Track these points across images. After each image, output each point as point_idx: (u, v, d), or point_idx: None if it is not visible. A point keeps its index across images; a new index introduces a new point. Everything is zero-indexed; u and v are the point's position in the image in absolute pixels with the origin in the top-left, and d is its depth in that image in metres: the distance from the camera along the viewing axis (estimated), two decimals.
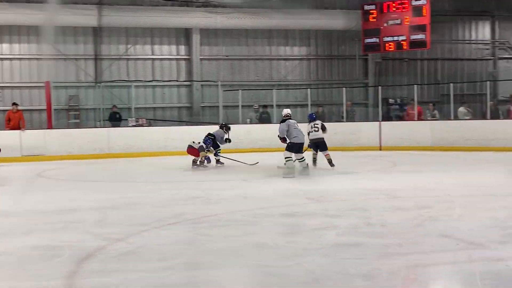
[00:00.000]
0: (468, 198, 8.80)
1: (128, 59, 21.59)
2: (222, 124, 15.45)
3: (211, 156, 14.43)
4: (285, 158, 11.90)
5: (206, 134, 14.48)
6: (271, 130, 19.24)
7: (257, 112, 20.69)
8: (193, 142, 14.06)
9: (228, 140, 14.73)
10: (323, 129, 13.24)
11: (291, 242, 6.10)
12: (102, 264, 5.35)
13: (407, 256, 5.41)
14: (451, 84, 19.67)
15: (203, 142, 14.12)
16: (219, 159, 14.55)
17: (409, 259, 5.31)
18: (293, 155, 12.03)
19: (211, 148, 14.25)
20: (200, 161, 14.17)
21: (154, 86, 21.83)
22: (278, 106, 20.68)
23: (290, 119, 12.25)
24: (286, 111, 12.59)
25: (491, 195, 8.93)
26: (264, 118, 20.35)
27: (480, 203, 8.34)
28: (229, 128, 14.97)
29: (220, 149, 14.56)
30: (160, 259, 5.44)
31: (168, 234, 6.62)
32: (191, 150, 14.07)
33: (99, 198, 9.44)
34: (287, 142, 12.00)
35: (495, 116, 19.37)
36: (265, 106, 20.77)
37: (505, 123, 17.96)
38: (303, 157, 12.14)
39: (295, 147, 11.95)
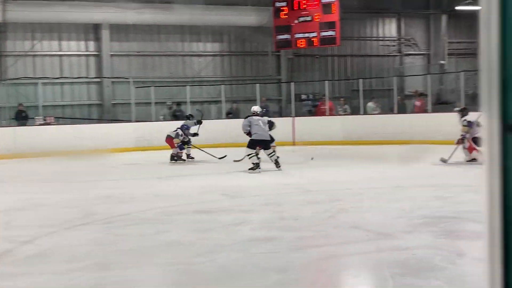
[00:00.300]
0: (377, 190, 9.05)
1: (34, 55, 20.81)
2: (191, 115, 15.79)
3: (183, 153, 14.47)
4: (247, 155, 11.92)
5: (180, 127, 14.53)
6: None
7: (170, 109, 20.49)
8: (173, 131, 14.25)
9: (196, 134, 14.77)
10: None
11: (204, 238, 6.06)
12: (9, 267, 5.13)
13: (320, 248, 5.49)
14: (361, 80, 20.25)
15: (180, 129, 14.27)
16: (189, 154, 14.47)
17: (321, 251, 5.39)
18: (262, 151, 12.14)
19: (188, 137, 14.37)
20: (177, 155, 14.17)
21: (62, 83, 21.13)
22: (192, 103, 20.58)
23: (256, 115, 12.26)
24: (254, 108, 12.69)
25: (398, 187, 9.23)
26: (177, 116, 20.18)
27: (388, 194, 8.61)
28: (200, 122, 14.96)
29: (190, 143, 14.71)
30: (69, 261, 5.27)
31: (78, 235, 6.43)
32: (169, 140, 14.24)
33: (5, 199, 9.07)
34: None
35: (402, 110, 20.10)
36: (178, 103, 20.59)
37: (411, 117, 18.64)
38: (271, 153, 12.14)
39: (255, 144, 11.95)
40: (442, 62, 24.85)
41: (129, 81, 20.75)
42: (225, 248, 5.57)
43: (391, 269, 4.71)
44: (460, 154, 12.18)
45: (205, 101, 22.09)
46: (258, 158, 11.87)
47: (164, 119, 19.97)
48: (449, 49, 25.39)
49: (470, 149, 12.23)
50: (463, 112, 12.74)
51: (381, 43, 25.49)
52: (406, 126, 17.98)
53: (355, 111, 20.31)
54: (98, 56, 21.56)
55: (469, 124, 12.26)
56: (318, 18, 20.93)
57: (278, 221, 6.78)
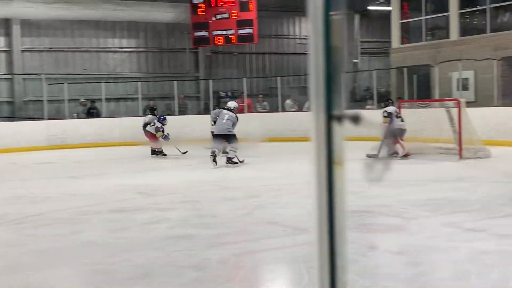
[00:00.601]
0: (294, 185, 9.19)
1: None
2: (153, 108, 15.65)
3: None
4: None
5: (157, 119, 14.45)
6: (101, 125, 18.81)
7: (85, 106, 20.01)
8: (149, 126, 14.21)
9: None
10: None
11: (120, 238, 5.98)
12: None
13: (237, 245, 5.52)
14: (278, 78, 20.48)
15: (158, 122, 14.20)
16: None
17: (238, 247, 5.43)
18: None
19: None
20: (158, 150, 14.11)
21: None
22: (108, 100, 20.18)
23: (226, 109, 12.33)
24: (229, 103, 12.77)
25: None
26: (92, 113, 19.75)
27: (305, 190, 8.74)
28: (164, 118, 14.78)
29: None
30: None
31: None
32: (149, 135, 14.17)
33: None
34: None
35: None
36: (93, 101, 20.14)
37: None
38: (229, 148, 12.04)
39: (213, 137, 12.37)
40: (355, 60, 25.51)
41: (41, 78, 20.07)
42: (141, 247, 5.52)
43: (307, 262, 4.80)
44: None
45: (121, 98, 21.72)
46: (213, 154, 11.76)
47: (78, 117, 19.49)
48: (361, 48, 26.08)
49: (394, 142, 12.46)
50: (385, 103, 13.04)
51: (298, 41, 25.85)
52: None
53: (273, 108, 20.54)
54: (8, 52, 20.73)
55: (389, 115, 12.52)
56: (235, 16, 21.00)
57: (195, 219, 6.77)
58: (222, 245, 5.52)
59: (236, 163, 11.86)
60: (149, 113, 15.11)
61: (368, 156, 12.12)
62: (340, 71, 1.32)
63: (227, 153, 11.99)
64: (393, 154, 12.45)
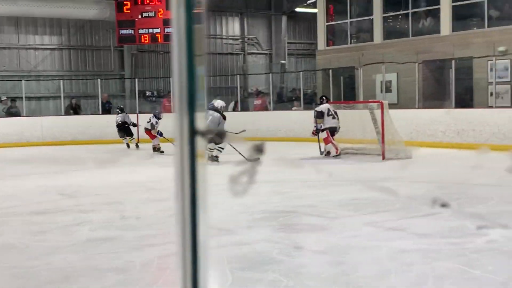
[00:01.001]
0: (220, 186, 9.15)
1: None
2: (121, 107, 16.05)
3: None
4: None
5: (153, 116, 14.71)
6: (21, 124, 18.21)
7: (5, 105, 19.29)
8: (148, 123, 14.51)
9: (134, 124, 15.62)
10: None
11: (40, 241, 5.78)
12: None
13: (161, 247, 5.44)
14: (204, 77, 20.41)
15: (153, 118, 14.50)
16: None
17: (162, 249, 5.35)
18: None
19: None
20: (156, 146, 14.42)
21: None
22: (28, 98, 19.57)
23: (212, 110, 12.24)
24: (217, 102, 12.65)
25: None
26: (12, 112, 19.08)
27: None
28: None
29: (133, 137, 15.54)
30: None
31: None
32: (148, 132, 14.57)
33: None
34: None
35: (246, 108, 20.58)
36: (13, 99, 19.46)
37: (253, 115, 19.10)
38: (216, 148, 12.04)
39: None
40: (282, 61, 25.76)
41: None
42: (62, 250, 5.36)
43: (231, 263, 4.79)
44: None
45: (42, 96, 21.10)
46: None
47: None
48: (288, 49, 26.37)
49: (326, 141, 12.62)
50: (320, 101, 13.20)
51: (225, 41, 25.87)
52: (249, 123, 18.41)
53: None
54: None
55: (319, 115, 12.67)
56: (161, 14, 20.76)
57: (119, 221, 6.64)
58: (146, 247, 5.43)
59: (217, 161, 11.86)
60: (119, 111, 15.58)
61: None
62: (201, 82, 1.41)
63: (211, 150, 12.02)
64: (327, 153, 12.64)
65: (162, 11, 20.75)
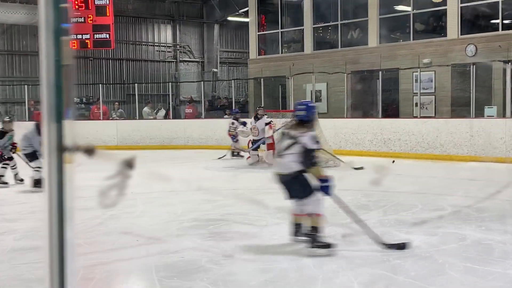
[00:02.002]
0: (151, 194, 9.09)
1: None
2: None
3: None
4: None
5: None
6: None
7: None
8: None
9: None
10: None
11: None
12: None
13: (87, 256, 5.34)
14: (136, 84, 20.20)
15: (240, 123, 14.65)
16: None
17: (88, 259, 5.25)
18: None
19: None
20: (236, 150, 14.90)
21: None
22: None
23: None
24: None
25: (172, 191, 9.37)
26: None
27: (161, 199, 8.69)
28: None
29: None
30: None
31: None
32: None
33: None
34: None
35: (177, 116, 20.48)
36: None
37: (184, 123, 19.04)
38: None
39: None
40: (214, 70, 25.80)
41: None
42: None
43: (159, 272, 4.76)
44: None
45: None
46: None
47: None
48: (221, 58, 26.43)
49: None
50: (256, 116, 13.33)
51: (157, 48, 25.68)
52: (181, 131, 18.34)
53: (130, 116, 20.23)
54: None
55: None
56: (91, 20, 20.41)
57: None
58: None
59: None
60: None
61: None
62: (69, 94, 1.47)
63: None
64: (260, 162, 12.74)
65: (91, 17, 20.40)
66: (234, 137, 14.67)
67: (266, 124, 13.01)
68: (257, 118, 13.24)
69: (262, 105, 14.69)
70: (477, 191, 9.16)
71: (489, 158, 12.93)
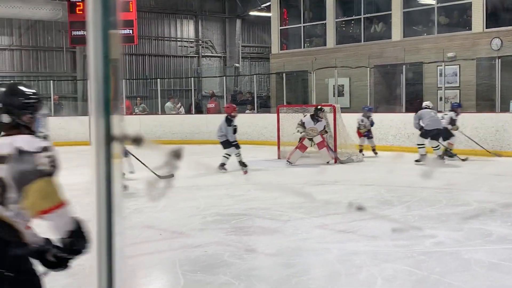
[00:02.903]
0: (173, 189, 9.10)
1: None
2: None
3: None
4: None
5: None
6: None
7: None
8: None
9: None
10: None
11: None
12: None
13: None
14: (158, 80, 20.29)
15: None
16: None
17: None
18: None
19: None
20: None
21: None
22: None
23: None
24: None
25: (194, 186, 9.39)
26: None
27: (184, 193, 8.71)
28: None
29: None
30: None
31: None
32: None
33: None
34: None
35: (199, 111, 20.55)
36: None
37: (207, 118, 19.06)
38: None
39: None
40: (236, 65, 25.79)
41: None
42: None
43: (183, 266, 4.78)
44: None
45: None
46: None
47: None
48: (243, 53, 26.42)
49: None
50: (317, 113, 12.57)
51: (179, 44, 25.75)
52: (203, 126, 18.37)
53: (153, 111, 20.33)
54: None
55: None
56: None
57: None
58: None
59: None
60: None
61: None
62: (117, 86, 1.45)
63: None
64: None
65: None
66: (368, 133, 13.76)
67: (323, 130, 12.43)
68: (315, 120, 12.39)
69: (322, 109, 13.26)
70: (503, 186, 9.05)
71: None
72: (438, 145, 12.06)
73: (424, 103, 12.61)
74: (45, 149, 2.41)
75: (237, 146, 11.36)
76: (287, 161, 12.25)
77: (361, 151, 13.45)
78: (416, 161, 11.85)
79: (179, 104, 20.45)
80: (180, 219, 6.69)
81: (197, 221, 6.63)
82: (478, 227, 6.05)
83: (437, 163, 11.62)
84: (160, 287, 4.65)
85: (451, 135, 12.20)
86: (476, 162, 11.66)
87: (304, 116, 12.75)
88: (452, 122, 12.26)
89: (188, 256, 5.10)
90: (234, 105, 12.38)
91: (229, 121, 11.37)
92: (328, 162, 12.18)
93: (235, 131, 11.38)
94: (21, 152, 2.36)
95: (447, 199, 7.80)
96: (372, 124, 13.84)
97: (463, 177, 9.94)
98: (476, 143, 12.77)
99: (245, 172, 11.02)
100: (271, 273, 4.73)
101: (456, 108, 12.61)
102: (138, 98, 20.75)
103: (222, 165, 11.24)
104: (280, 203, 7.61)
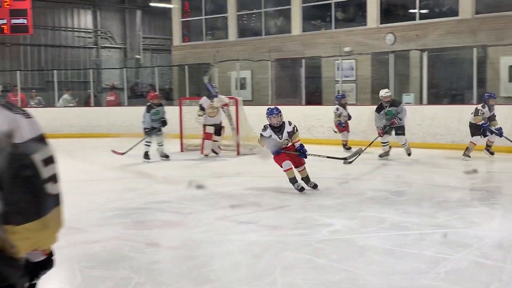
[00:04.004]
0: (71, 184, 8.86)
1: None
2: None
3: None
4: None
5: None
6: None
7: None
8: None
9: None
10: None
11: None
12: None
13: None
14: (55, 71, 19.62)
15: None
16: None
17: None
18: None
19: None
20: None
21: None
22: None
23: None
24: None
25: (93, 180, 9.19)
26: None
27: (82, 188, 8.51)
28: None
29: None
30: None
31: None
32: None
33: None
34: None
35: (99, 103, 20.06)
36: None
37: (107, 110, 18.66)
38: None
39: None
40: (137, 56, 25.39)
41: None
42: None
43: (81, 262, 4.67)
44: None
45: None
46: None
47: None
48: (143, 44, 26.04)
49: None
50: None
51: (76, 34, 25.02)
52: (103, 119, 17.97)
53: (49, 103, 19.63)
54: None
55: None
56: (8, 5, 19.65)
57: None
58: None
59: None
60: None
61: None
62: None
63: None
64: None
65: (8, 1, 19.64)
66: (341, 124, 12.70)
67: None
68: (212, 97, 12.07)
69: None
70: (395, 176, 9.46)
71: (408, 143, 13.34)
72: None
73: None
74: None
75: (146, 133, 11.41)
76: (204, 155, 12.15)
77: (345, 145, 12.73)
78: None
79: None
80: (78, 215, 6.51)
81: (96, 216, 6.49)
82: (372, 215, 6.30)
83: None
84: (56, 284, 4.51)
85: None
86: (371, 154, 12.09)
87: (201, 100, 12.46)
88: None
89: (86, 252, 4.99)
90: (156, 93, 12.49)
91: (148, 107, 11.54)
92: (207, 155, 12.09)
93: (163, 123, 11.53)
94: None
95: (344, 188, 8.07)
96: (349, 117, 12.80)
97: (359, 167, 10.29)
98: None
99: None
100: (173, 266, 4.71)
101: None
102: (34, 91, 19.98)
103: (146, 154, 11.35)
104: (182, 196, 7.59)
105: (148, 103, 11.70)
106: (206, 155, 12.09)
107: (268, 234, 5.58)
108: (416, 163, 10.78)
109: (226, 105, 12.34)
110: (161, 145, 11.65)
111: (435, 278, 4.18)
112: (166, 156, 11.69)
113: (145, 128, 11.56)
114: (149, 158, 11.41)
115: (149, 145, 11.44)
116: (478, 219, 6.13)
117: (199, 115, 12.15)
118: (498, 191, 8.04)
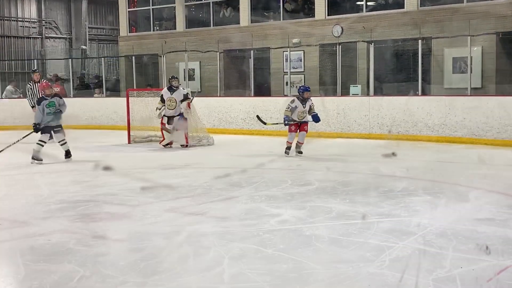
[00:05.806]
0: (14, 176, 8.67)
1: None
2: None
3: None
4: None
5: None
6: None
7: None
8: None
9: None
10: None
11: None
12: None
13: None
14: None
15: None
16: None
17: None
18: None
19: None
20: None
21: None
22: None
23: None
24: None
25: (37, 173, 8.99)
26: None
27: (26, 181, 8.33)
28: None
29: None
30: None
31: None
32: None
33: None
34: None
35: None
36: None
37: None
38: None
39: None
40: (83, 47, 24.92)
41: None
42: None
43: (24, 256, 4.57)
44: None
45: None
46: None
47: None
48: (90, 34, 25.57)
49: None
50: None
51: (21, 24, 24.38)
52: None
53: None
54: None
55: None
56: None
57: None
58: None
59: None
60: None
61: None
62: None
63: None
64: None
65: None
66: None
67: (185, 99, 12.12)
68: (172, 90, 12.06)
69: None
70: (343, 166, 9.58)
71: (354, 134, 13.56)
72: None
73: None
74: None
75: (35, 130, 9.90)
76: (162, 145, 12.08)
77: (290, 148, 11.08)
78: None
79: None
80: (22, 208, 6.38)
81: (40, 209, 6.35)
82: (319, 205, 6.37)
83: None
84: None
85: None
86: (320, 144, 12.19)
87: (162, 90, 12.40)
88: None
89: (30, 246, 4.88)
90: (47, 82, 11.30)
91: (39, 100, 10.18)
92: (182, 145, 12.15)
93: (56, 113, 10.02)
94: None
95: (292, 179, 8.12)
96: (310, 113, 10.89)
97: (307, 158, 10.38)
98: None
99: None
100: (119, 258, 4.66)
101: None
102: None
103: (37, 154, 9.85)
104: (129, 188, 7.50)
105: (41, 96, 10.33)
106: (166, 146, 12.05)
107: (217, 225, 5.58)
108: (361, 154, 10.95)
109: (189, 105, 12.24)
110: (64, 143, 10.19)
111: (380, 266, 4.26)
112: (68, 154, 10.21)
113: (34, 124, 9.96)
114: (41, 159, 9.84)
115: (42, 145, 9.87)
116: (422, 207, 6.27)
117: (158, 108, 12.12)
118: (441, 181, 8.23)
